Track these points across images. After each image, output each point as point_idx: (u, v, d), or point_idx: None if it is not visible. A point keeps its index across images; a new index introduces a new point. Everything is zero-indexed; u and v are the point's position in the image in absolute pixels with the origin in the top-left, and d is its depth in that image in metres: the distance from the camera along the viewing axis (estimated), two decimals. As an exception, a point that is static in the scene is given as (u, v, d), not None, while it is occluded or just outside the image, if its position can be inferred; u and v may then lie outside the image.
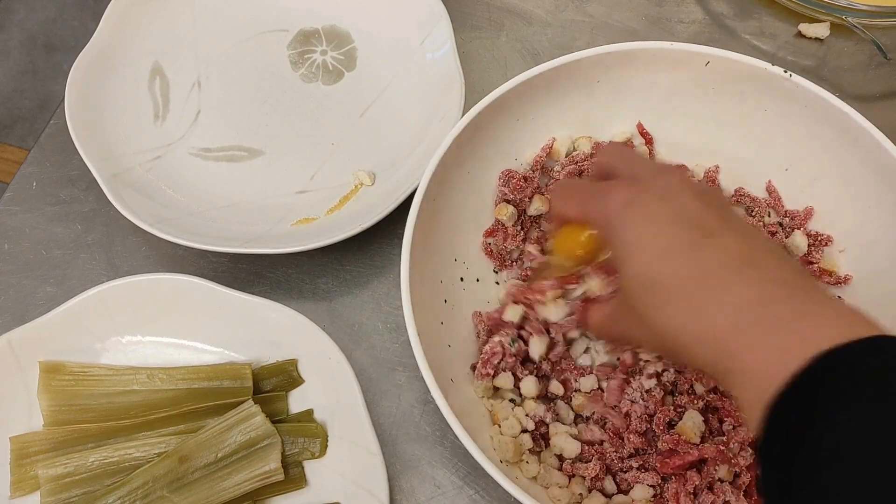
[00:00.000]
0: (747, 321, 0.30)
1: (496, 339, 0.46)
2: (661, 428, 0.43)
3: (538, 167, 0.50)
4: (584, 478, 0.42)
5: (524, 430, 0.44)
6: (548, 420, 0.44)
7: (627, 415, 0.43)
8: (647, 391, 0.44)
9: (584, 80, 0.49)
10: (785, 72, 0.46)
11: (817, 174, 0.48)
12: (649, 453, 0.43)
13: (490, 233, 0.49)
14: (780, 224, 0.49)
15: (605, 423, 0.44)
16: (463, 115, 0.47)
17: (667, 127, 0.51)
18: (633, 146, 0.51)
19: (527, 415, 0.45)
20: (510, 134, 0.50)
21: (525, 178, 0.50)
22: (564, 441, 0.43)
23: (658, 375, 0.44)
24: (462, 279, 0.48)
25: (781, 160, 0.49)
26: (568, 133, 0.51)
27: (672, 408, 0.43)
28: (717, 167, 0.51)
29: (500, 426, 0.44)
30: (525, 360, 0.46)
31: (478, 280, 0.49)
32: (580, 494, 0.42)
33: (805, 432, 0.26)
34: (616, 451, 0.43)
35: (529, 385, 0.45)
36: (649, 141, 0.51)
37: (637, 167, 0.38)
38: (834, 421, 0.26)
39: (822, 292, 0.32)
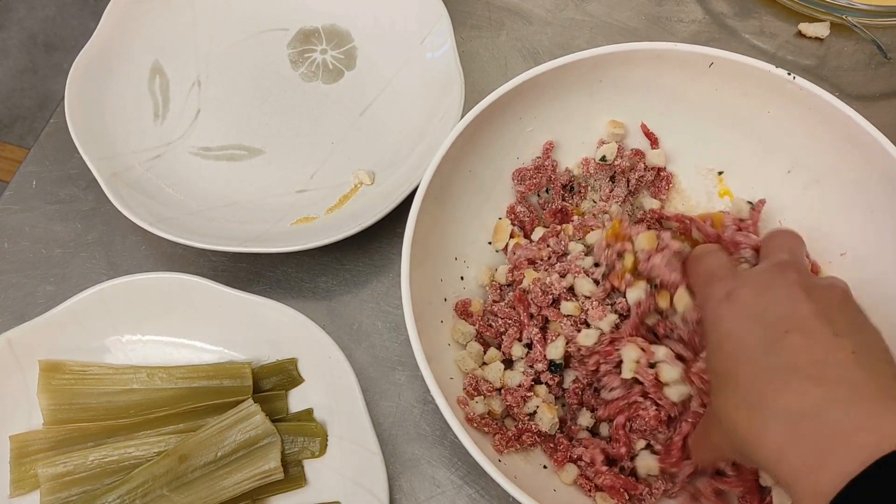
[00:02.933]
0: (800, 430, 0.30)
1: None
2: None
3: (548, 156, 0.50)
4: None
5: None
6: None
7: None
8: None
9: (587, 80, 0.49)
10: (788, 74, 0.45)
11: (819, 177, 0.48)
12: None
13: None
14: None
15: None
16: (463, 114, 0.47)
17: (670, 127, 0.51)
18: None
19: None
20: (512, 133, 0.50)
21: (536, 168, 0.50)
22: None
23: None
24: (462, 278, 0.48)
25: (784, 162, 0.49)
26: (574, 131, 0.51)
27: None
28: (761, 202, 0.50)
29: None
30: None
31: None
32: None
33: None
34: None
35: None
36: (654, 141, 0.51)
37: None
38: None
39: None
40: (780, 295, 0.35)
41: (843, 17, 0.59)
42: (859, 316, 0.35)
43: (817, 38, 0.61)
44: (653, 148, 0.51)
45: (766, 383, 0.32)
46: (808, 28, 0.61)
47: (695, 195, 0.52)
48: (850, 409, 0.30)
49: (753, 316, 0.34)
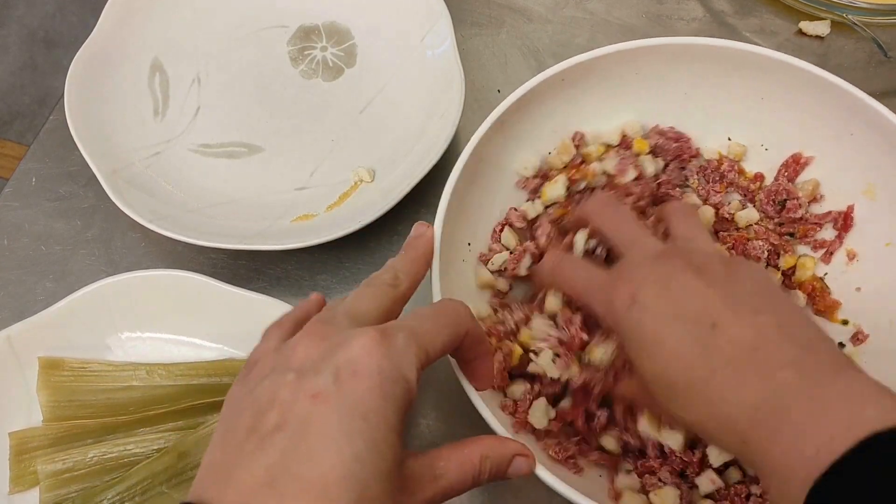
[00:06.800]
0: (766, 416, 0.29)
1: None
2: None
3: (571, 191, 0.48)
4: None
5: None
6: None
7: None
8: None
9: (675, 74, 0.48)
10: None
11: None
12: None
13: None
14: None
15: None
16: (465, 111, 0.46)
17: (759, 138, 0.50)
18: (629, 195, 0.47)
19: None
20: (542, 126, 0.49)
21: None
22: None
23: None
24: (464, 260, 0.47)
25: (860, 182, 0.47)
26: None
27: None
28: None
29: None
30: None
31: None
32: None
33: None
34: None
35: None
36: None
37: (627, 233, 0.39)
38: None
39: (849, 366, 0.30)
40: (681, 288, 0.34)
41: (844, 15, 0.59)
42: (760, 279, 0.35)
43: (818, 37, 0.61)
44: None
45: (719, 383, 0.31)
46: (808, 26, 0.61)
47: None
48: (810, 389, 0.29)
49: (670, 316, 0.33)
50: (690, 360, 0.32)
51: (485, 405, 0.38)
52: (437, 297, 0.40)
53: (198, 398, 0.47)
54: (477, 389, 0.38)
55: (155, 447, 0.45)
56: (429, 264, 0.40)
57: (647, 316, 0.34)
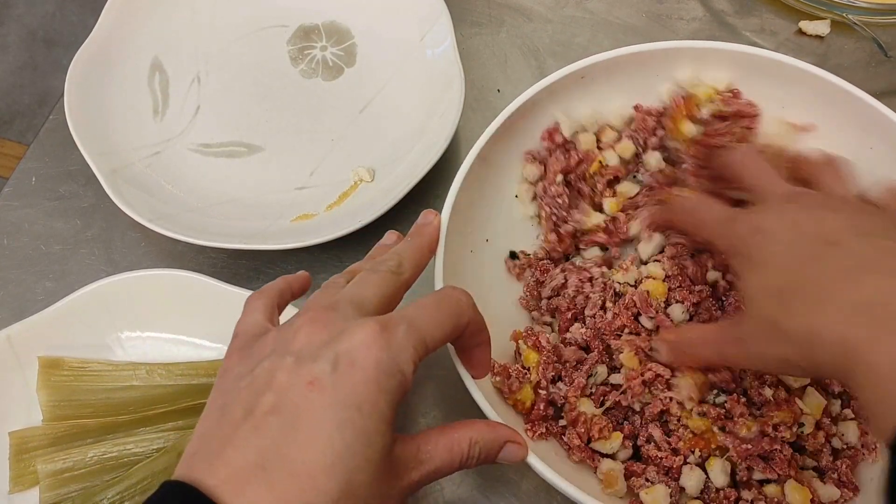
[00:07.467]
0: (870, 317, 0.29)
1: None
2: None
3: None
4: None
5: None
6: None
7: None
8: None
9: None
10: None
11: None
12: None
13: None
14: None
15: None
16: (462, 112, 0.47)
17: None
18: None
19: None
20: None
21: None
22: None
23: None
24: (472, 251, 0.48)
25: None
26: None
27: None
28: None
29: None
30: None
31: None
32: None
33: None
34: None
35: None
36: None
37: (768, 184, 0.39)
38: None
39: None
40: (812, 219, 0.34)
41: (844, 14, 0.59)
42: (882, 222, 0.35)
43: (818, 36, 0.61)
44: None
45: (824, 287, 0.31)
46: (808, 26, 0.61)
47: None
48: None
49: (790, 240, 0.34)
50: (805, 267, 0.33)
51: (481, 393, 0.38)
52: (438, 285, 0.40)
53: (198, 398, 0.47)
54: (474, 378, 0.39)
55: (155, 447, 0.45)
56: (433, 252, 0.41)
57: (768, 240, 0.35)
